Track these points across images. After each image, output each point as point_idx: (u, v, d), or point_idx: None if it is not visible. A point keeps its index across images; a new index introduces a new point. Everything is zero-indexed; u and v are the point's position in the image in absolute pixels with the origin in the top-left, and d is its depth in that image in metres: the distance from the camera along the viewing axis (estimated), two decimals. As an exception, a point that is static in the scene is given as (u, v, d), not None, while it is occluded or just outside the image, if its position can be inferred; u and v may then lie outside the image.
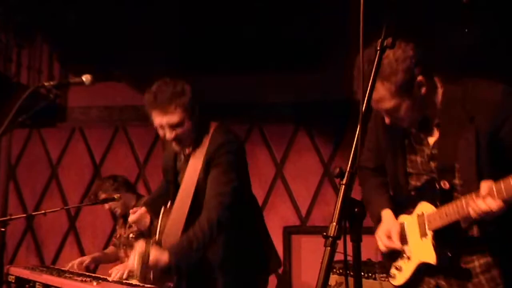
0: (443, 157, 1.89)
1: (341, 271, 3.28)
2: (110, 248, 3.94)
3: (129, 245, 3.59)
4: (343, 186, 1.23)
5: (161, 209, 2.65)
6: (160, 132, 2.49)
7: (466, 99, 1.86)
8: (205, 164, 2.44)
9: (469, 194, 1.79)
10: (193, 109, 2.45)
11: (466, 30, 4.31)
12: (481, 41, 4.20)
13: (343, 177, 1.24)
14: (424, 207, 1.95)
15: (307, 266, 4.76)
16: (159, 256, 2.31)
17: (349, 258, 1.31)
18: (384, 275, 2.13)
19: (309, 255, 4.73)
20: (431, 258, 1.90)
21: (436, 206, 1.90)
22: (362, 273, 3.00)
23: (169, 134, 2.45)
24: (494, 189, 1.70)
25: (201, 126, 2.52)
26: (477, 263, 1.89)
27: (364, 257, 2.08)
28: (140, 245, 2.37)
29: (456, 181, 1.88)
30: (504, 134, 1.80)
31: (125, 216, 3.74)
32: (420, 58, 1.82)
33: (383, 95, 1.81)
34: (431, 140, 1.96)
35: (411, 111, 1.86)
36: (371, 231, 2.05)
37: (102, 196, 3.68)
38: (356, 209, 1.24)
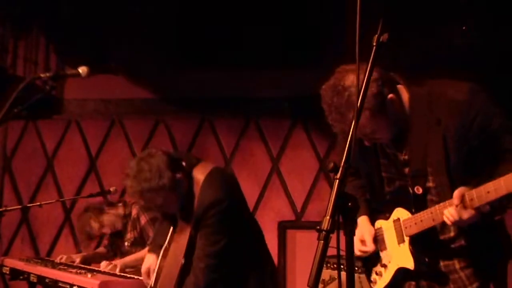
0: (415, 162, 1.89)
1: (335, 266, 3.30)
2: (101, 249, 3.94)
3: (128, 253, 3.57)
4: (337, 180, 1.24)
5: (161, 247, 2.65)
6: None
7: (432, 101, 1.84)
8: (195, 223, 2.44)
9: (443, 201, 1.80)
10: (175, 185, 2.40)
11: (464, 28, 4.32)
12: (478, 40, 4.21)
13: (337, 171, 1.25)
14: (400, 213, 1.97)
15: (302, 261, 4.78)
16: None
17: (343, 252, 1.31)
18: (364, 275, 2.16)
19: (304, 250, 4.75)
20: (409, 263, 1.92)
21: (411, 212, 1.92)
22: (356, 268, 3.01)
23: (159, 212, 2.55)
24: (466, 197, 1.70)
25: (189, 186, 2.46)
26: (456, 260, 1.91)
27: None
28: None
29: (430, 184, 1.88)
30: (473, 134, 1.78)
31: (114, 234, 3.68)
32: (385, 78, 1.81)
33: (361, 123, 1.76)
34: (404, 147, 1.94)
35: (389, 129, 1.86)
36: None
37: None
38: (349, 204, 1.24)
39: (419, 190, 1.88)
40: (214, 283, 2.40)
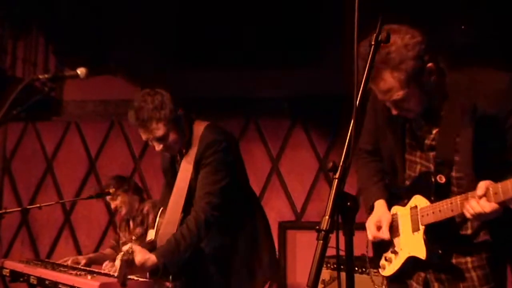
0: (443, 149, 1.84)
1: (335, 266, 3.29)
2: (108, 250, 3.93)
3: None
4: (336, 180, 1.24)
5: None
6: (150, 144, 2.56)
7: (471, 87, 1.77)
8: (195, 165, 2.48)
9: (465, 193, 1.75)
10: (176, 119, 2.49)
11: (463, 27, 4.32)
12: (478, 38, 4.20)
13: (336, 171, 1.24)
14: (418, 201, 1.91)
15: (302, 261, 4.77)
16: (145, 258, 2.33)
17: (342, 253, 1.31)
18: (377, 270, 2.11)
19: (304, 250, 4.74)
20: (421, 253, 1.87)
21: (430, 200, 1.87)
22: (356, 268, 3.00)
23: (157, 147, 2.53)
24: (491, 190, 1.65)
25: (189, 129, 2.55)
26: (469, 259, 1.87)
27: (357, 252, 2.09)
28: (125, 248, 2.39)
29: (454, 174, 1.84)
30: (509, 126, 1.73)
31: (128, 219, 3.74)
32: (429, 43, 1.73)
33: (392, 85, 1.73)
34: (434, 130, 1.89)
35: (421, 101, 1.78)
36: (364, 226, 2.03)
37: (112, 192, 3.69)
38: (348, 203, 1.24)
39: (442, 179, 1.83)
40: (214, 220, 2.41)
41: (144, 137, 2.53)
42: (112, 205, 3.71)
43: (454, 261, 1.89)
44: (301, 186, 4.95)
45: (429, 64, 1.75)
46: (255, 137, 5.10)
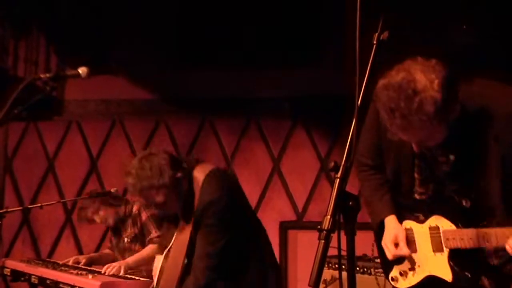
0: (465, 173, 1.77)
1: (336, 266, 3.29)
2: (107, 250, 3.93)
3: (127, 250, 3.57)
4: (338, 179, 1.23)
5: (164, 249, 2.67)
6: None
7: (484, 106, 1.68)
8: (195, 223, 2.45)
9: (503, 226, 1.70)
10: (176, 183, 2.42)
11: (464, 27, 4.31)
12: (479, 39, 4.20)
13: (338, 170, 1.23)
14: (440, 222, 1.87)
15: (303, 261, 4.77)
16: None
17: (344, 252, 1.30)
18: (380, 270, 2.10)
19: (306, 250, 4.74)
20: (446, 275, 1.85)
21: (456, 225, 1.83)
22: (358, 268, 3.00)
23: (159, 211, 2.59)
24: None
25: (189, 184, 2.48)
26: (487, 283, 1.83)
27: (359, 252, 2.09)
28: None
29: (479, 197, 1.77)
30: None
31: (117, 226, 3.69)
32: (453, 77, 1.59)
33: (423, 136, 1.62)
34: (452, 156, 1.79)
35: (444, 134, 1.67)
36: (366, 226, 2.01)
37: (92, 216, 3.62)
38: (350, 203, 1.23)
39: (467, 203, 1.78)
40: (214, 283, 2.41)
41: (143, 202, 2.61)
42: (98, 220, 3.59)
43: (483, 284, 1.86)
44: (303, 186, 4.94)
45: (456, 100, 1.63)
46: (256, 137, 5.10)
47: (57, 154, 5.43)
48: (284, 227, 4.88)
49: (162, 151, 2.47)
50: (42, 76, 2.13)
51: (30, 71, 5.13)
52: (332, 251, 1.28)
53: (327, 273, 3.35)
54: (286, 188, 4.99)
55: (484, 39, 4.19)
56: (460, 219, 1.82)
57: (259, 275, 2.51)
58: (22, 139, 5.51)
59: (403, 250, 1.91)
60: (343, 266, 1.35)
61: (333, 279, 3.36)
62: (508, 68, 4.02)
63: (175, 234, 2.61)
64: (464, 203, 1.80)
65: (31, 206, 4.33)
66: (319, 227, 1.20)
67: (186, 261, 2.48)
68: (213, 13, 5.03)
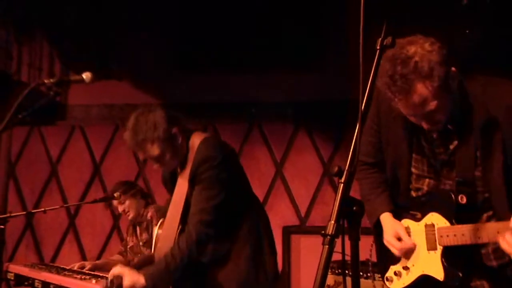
0: (463, 167, 1.76)
1: (340, 271, 3.28)
2: (116, 256, 3.94)
3: (141, 253, 3.61)
4: (342, 184, 1.23)
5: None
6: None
7: (487, 100, 1.71)
8: (190, 181, 2.48)
9: (497, 214, 1.69)
10: (170, 137, 2.48)
11: (467, 31, 4.31)
12: (482, 42, 4.19)
13: (342, 175, 1.23)
14: (435, 219, 1.85)
15: (306, 266, 4.76)
16: (134, 280, 2.34)
17: (348, 257, 1.30)
18: (380, 276, 2.08)
19: (309, 255, 4.73)
20: (438, 274, 1.82)
21: (451, 222, 1.80)
22: (361, 273, 2.99)
23: (154, 165, 2.55)
24: None
25: (186, 144, 2.54)
26: (485, 282, 1.81)
27: (363, 257, 2.07)
28: (115, 270, 2.40)
29: (478, 189, 1.76)
30: None
31: (135, 224, 3.77)
32: (448, 47, 1.67)
33: (426, 95, 1.63)
34: (451, 145, 1.80)
35: (449, 110, 1.69)
36: (369, 231, 2.00)
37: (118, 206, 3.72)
38: (354, 208, 1.23)
39: (463, 199, 1.76)
40: (207, 238, 2.40)
41: (141, 157, 2.57)
42: (120, 209, 3.73)
43: (473, 285, 1.83)
44: (306, 190, 4.94)
45: (453, 69, 1.69)
46: (259, 141, 5.10)
47: (60, 158, 5.45)
48: (287, 232, 4.87)
49: (160, 108, 2.52)
50: (46, 81, 2.14)
51: (34, 76, 5.15)
52: (336, 256, 1.27)
53: (331, 278, 3.34)
54: (289, 192, 4.99)
55: (486, 40, 4.19)
56: (455, 215, 1.80)
57: (251, 242, 2.49)
58: (26, 144, 5.52)
59: (408, 242, 1.88)
60: (347, 271, 1.35)
61: (336, 284, 3.35)
62: (510, 68, 4.02)
63: (170, 203, 2.60)
64: (460, 199, 1.78)
65: (35, 210, 4.34)
66: (323, 232, 1.20)
67: (180, 228, 2.48)
68: (216, 18, 5.05)
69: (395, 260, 1.97)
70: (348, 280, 1.32)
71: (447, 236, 1.80)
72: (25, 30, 5.15)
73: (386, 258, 2.00)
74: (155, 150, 2.45)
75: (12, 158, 5.52)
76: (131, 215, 3.71)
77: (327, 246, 1.17)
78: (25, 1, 4.81)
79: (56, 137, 5.46)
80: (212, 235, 2.40)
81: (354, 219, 1.24)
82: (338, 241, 1.24)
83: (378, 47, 1.37)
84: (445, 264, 1.81)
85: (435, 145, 1.84)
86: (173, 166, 2.58)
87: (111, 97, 5.30)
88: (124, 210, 3.72)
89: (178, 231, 2.50)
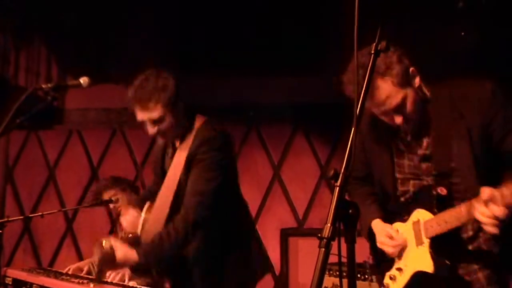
0: (439, 160, 1.86)
1: (337, 273, 3.29)
2: None
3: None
4: (338, 187, 1.24)
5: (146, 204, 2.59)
6: (144, 127, 2.44)
7: (454, 99, 1.86)
8: (187, 161, 2.37)
9: (469, 200, 1.75)
10: (175, 105, 2.38)
11: (463, 34, 4.33)
12: (479, 44, 4.22)
13: (338, 179, 1.25)
14: (420, 214, 1.91)
15: (304, 268, 4.76)
16: (127, 254, 2.26)
17: (344, 259, 1.31)
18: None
19: (306, 257, 4.73)
20: (428, 266, 1.85)
21: (433, 213, 1.86)
22: (358, 275, 3.00)
23: (151, 130, 2.41)
24: (497, 194, 1.64)
25: (187, 121, 2.45)
26: (480, 274, 1.85)
27: (360, 259, 2.10)
28: (105, 243, 2.31)
29: (454, 181, 1.85)
30: (492, 130, 1.80)
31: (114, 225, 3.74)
32: (404, 51, 1.85)
33: (388, 90, 1.81)
34: (425, 141, 1.94)
35: (415, 104, 1.85)
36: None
37: (106, 196, 3.66)
38: (350, 211, 1.25)
39: (443, 191, 1.84)
40: (203, 221, 2.29)
41: (139, 116, 2.41)
42: (114, 213, 3.70)
43: (465, 277, 1.87)
44: (303, 192, 4.95)
45: (411, 68, 1.85)
46: (257, 143, 5.12)
47: (57, 162, 5.44)
48: (285, 234, 4.88)
49: (172, 77, 2.44)
50: (44, 86, 2.15)
51: (31, 81, 5.15)
52: (333, 259, 1.28)
53: (328, 281, 3.35)
54: (286, 195, 5.00)
55: (483, 42, 4.21)
56: (437, 206, 1.86)
57: (239, 234, 2.44)
58: (23, 148, 5.52)
59: (399, 239, 1.95)
60: (344, 274, 1.36)
61: (333, 286, 3.36)
62: (507, 70, 4.04)
63: (162, 186, 2.49)
64: (440, 191, 1.85)
65: (32, 215, 4.32)
66: (319, 235, 1.21)
67: (169, 211, 2.38)
68: (214, 20, 5.06)
69: (389, 265, 2.01)
70: (345, 282, 1.33)
71: (432, 227, 1.86)
72: (22, 34, 5.16)
73: (383, 266, 2.04)
74: (157, 112, 2.33)
75: (9, 162, 5.51)
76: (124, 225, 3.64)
77: (323, 249, 1.19)
78: (23, 6, 4.81)
79: (54, 141, 5.46)
80: (209, 218, 2.30)
81: (350, 222, 1.25)
82: (335, 244, 1.25)
83: (372, 52, 1.38)
84: (433, 255, 1.85)
85: (412, 145, 1.95)
86: (170, 136, 2.46)
87: (108, 101, 5.30)
88: (115, 212, 3.65)
89: (168, 214, 2.38)
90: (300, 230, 4.89)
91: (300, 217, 4.94)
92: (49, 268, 4.20)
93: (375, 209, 2.08)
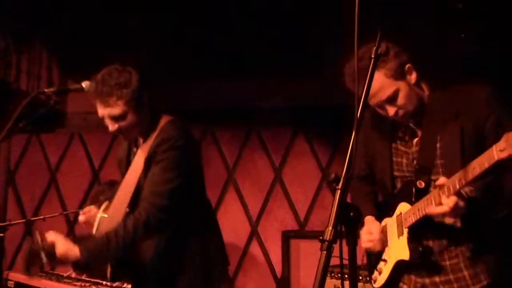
0: (424, 156, 1.94)
1: (339, 275, 3.30)
2: None
3: None
4: (339, 191, 1.26)
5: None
6: (105, 123, 2.37)
7: (452, 99, 1.92)
8: (147, 160, 2.30)
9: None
10: (138, 101, 2.30)
11: (463, 36, 4.34)
12: (478, 46, 4.22)
13: (339, 182, 1.26)
14: (402, 208, 2.00)
15: (306, 271, 4.76)
16: (67, 250, 2.19)
17: (346, 262, 1.32)
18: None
19: (308, 260, 4.74)
20: (405, 255, 1.94)
21: (411, 203, 1.96)
22: (360, 277, 3.01)
23: (111, 126, 2.35)
24: (448, 184, 1.73)
25: (151, 119, 2.37)
26: (461, 257, 1.92)
27: (360, 262, 2.13)
28: (48, 234, 2.24)
29: (433, 177, 1.92)
30: (487, 131, 1.84)
31: None
32: (402, 49, 1.91)
33: (381, 82, 1.86)
34: (415, 140, 2.01)
35: (409, 97, 1.91)
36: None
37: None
38: (351, 214, 1.26)
39: (421, 184, 1.92)
40: (157, 223, 2.20)
41: (99, 112, 2.34)
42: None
43: (448, 263, 1.94)
44: (304, 195, 4.95)
45: (408, 64, 1.91)
46: (258, 146, 5.12)
47: (59, 166, 5.45)
48: (287, 237, 4.88)
49: (136, 71, 2.36)
50: (46, 90, 2.17)
51: (33, 85, 5.16)
52: (334, 261, 1.29)
53: (330, 283, 3.35)
54: (288, 197, 5.00)
55: (482, 45, 4.22)
56: (416, 199, 1.94)
57: (203, 250, 2.34)
58: (25, 152, 5.53)
59: (375, 234, 2.05)
60: (345, 276, 1.38)
61: (336, 288, 3.36)
62: (506, 73, 4.05)
63: (120, 185, 2.42)
64: (418, 184, 1.92)
65: (34, 218, 4.34)
66: (321, 237, 1.23)
67: (127, 211, 2.30)
68: (213, 24, 5.08)
69: (377, 260, 2.11)
70: (347, 284, 1.35)
71: (409, 217, 1.95)
72: (24, 38, 5.17)
73: (374, 262, 2.15)
74: (118, 108, 2.26)
75: (11, 166, 5.52)
76: None
77: (325, 252, 1.20)
78: (24, 10, 4.83)
79: (55, 144, 5.47)
80: (163, 220, 2.21)
81: (351, 225, 1.26)
82: (337, 246, 1.26)
83: (372, 56, 1.40)
84: (409, 243, 1.94)
85: (408, 144, 2.02)
86: (131, 135, 2.38)
87: (109, 104, 5.31)
88: None
89: (126, 213, 2.31)
90: (302, 232, 4.90)
91: (302, 220, 4.95)
92: (51, 271, 4.21)
93: (370, 207, 2.16)
